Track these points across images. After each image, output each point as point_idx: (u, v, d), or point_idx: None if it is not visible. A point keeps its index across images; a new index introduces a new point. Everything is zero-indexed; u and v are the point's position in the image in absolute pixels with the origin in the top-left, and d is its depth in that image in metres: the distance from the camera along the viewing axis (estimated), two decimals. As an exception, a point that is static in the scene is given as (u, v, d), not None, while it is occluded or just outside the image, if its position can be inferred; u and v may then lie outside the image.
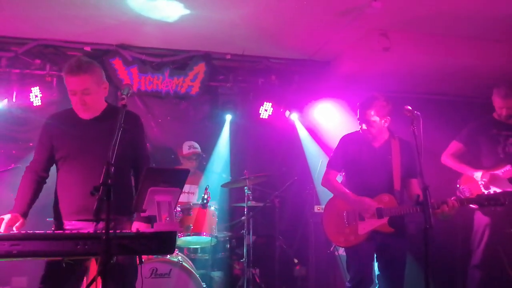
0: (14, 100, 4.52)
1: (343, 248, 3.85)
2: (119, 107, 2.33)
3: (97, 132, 2.55)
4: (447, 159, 3.98)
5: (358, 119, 3.26)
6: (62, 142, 2.57)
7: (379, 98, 3.20)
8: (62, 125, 2.60)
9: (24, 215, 2.47)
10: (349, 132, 3.43)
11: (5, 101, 4.52)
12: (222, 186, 4.56)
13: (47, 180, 2.66)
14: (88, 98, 2.51)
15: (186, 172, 2.32)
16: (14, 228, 2.38)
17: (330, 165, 3.37)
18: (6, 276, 4.45)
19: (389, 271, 3.21)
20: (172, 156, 4.97)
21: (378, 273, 3.26)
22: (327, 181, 3.34)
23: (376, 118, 3.17)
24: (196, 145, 4.78)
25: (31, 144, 4.64)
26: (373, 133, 3.22)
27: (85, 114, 2.57)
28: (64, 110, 2.69)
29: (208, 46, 4.87)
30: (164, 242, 2.15)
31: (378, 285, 3.26)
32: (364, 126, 3.21)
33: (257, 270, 4.79)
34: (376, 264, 3.30)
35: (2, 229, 2.32)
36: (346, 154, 3.30)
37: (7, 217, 2.39)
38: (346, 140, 3.36)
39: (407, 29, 4.37)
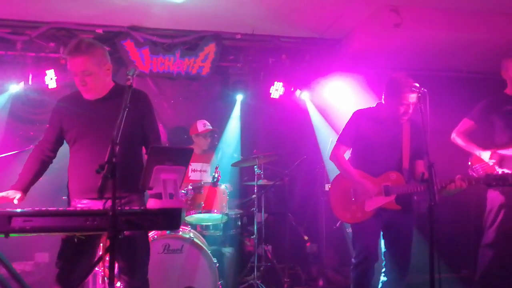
0: (30, 83, 4.62)
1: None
2: (125, 87, 2.36)
3: (103, 112, 2.61)
4: (457, 137, 3.90)
5: (396, 99, 3.13)
6: (70, 124, 2.65)
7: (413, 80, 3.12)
8: (70, 107, 2.67)
9: (24, 191, 2.59)
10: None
11: (22, 84, 4.64)
12: (232, 165, 4.63)
13: (63, 161, 2.75)
14: (89, 79, 2.55)
15: (190, 150, 2.39)
16: (15, 201, 2.50)
17: (340, 140, 3.32)
18: (30, 252, 4.66)
19: (395, 247, 3.24)
20: (185, 136, 5.05)
21: (385, 250, 3.29)
22: (334, 157, 3.31)
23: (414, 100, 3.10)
24: (208, 123, 4.86)
25: (47, 125, 4.77)
26: (409, 114, 3.16)
27: (88, 95, 2.63)
28: (72, 92, 2.77)
29: (218, 26, 4.87)
30: (170, 218, 2.23)
31: (384, 262, 3.30)
32: (411, 109, 3.12)
33: (269, 247, 4.90)
34: (382, 242, 3.32)
35: None
36: (358, 129, 3.27)
37: (6, 192, 2.52)
38: (359, 115, 3.31)
39: (418, 4, 4.27)
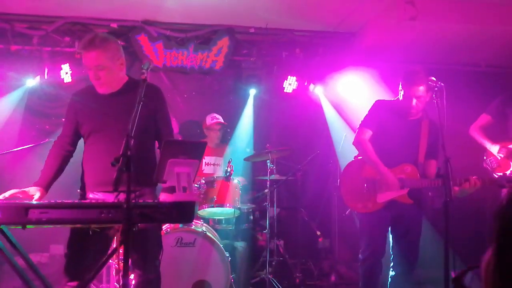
0: (46, 77, 4.68)
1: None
2: (140, 81, 2.36)
3: (117, 106, 2.61)
4: (474, 131, 3.90)
5: (406, 93, 3.12)
6: (85, 118, 2.66)
7: (427, 74, 3.08)
8: (84, 101, 2.68)
9: (46, 188, 2.60)
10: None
11: (38, 78, 4.70)
12: (245, 159, 4.62)
13: (77, 154, 2.75)
14: (102, 74, 2.55)
15: (203, 144, 2.39)
16: (33, 201, 2.47)
17: (365, 124, 3.24)
18: (45, 244, 4.71)
19: (404, 242, 3.22)
20: (198, 131, 5.06)
21: (393, 244, 3.27)
22: (359, 142, 3.22)
23: (425, 94, 3.08)
24: (219, 116, 4.85)
25: (63, 119, 4.77)
26: (420, 109, 3.14)
27: (101, 89, 2.63)
28: (87, 86, 2.77)
29: (231, 20, 4.85)
30: (183, 212, 2.24)
31: (392, 257, 3.27)
32: (414, 102, 3.09)
33: (282, 242, 4.89)
34: (390, 236, 3.30)
35: (7, 194, 2.44)
36: (379, 117, 3.23)
37: (28, 189, 2.52)
38: (381, 105, 3.29)
39: (434, -4, 4.21)
